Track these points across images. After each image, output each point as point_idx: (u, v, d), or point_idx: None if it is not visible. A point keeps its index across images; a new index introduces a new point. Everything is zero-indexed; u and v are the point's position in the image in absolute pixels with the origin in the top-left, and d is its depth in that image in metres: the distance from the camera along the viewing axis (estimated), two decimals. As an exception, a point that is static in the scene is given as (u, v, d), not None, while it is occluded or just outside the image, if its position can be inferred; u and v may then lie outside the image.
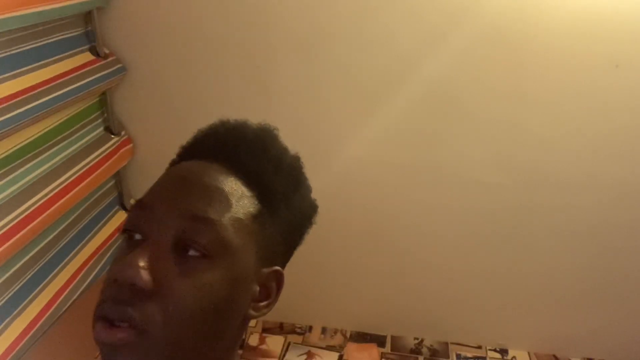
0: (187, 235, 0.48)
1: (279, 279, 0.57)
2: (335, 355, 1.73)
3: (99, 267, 1.47)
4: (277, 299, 0.57)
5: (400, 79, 1.42)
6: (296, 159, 0.60)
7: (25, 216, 1.17)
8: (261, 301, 0.56)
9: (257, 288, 0.55)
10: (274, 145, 0.59)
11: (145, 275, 0.45)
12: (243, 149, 0.56)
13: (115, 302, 0.46)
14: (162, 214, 0.49)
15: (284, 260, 0.59)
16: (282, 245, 0.58)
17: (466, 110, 1.44)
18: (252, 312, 0.55)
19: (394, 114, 1.46)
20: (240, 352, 1.72)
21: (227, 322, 0.52)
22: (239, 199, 0.53)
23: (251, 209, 0.53)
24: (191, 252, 0.48)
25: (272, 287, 0.56)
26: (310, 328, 1.83)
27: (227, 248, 0.50)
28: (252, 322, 1.81)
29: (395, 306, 1.77)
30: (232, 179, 0.53)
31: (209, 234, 0.49)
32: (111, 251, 1.54)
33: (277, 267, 0.57)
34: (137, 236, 0.50)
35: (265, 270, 0.55)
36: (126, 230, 0.51)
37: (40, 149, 1.28)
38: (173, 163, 0.60)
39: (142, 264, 0.46)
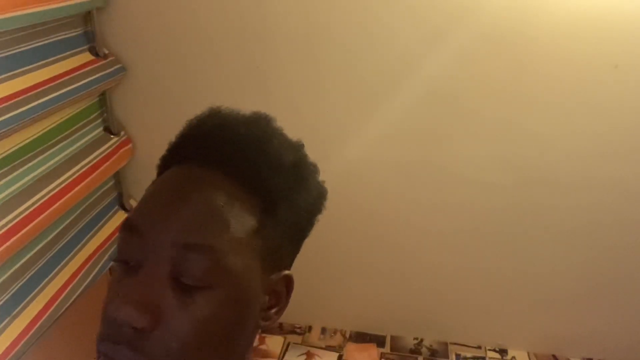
0: (184, 266, 0.44)
1: (288, 283, 0.54)
2: (335, 355, 1.73)
3: (98, 267, 1.47)
4: (288, 303, 0.54)
5: (401, 78, 1.42)
6: (298, 149, 0.55)
7: (25, 216, 1.17)
8: (271, 308, 0.53)
9: (266, 297, 0.52)
10: (271, 143, 0.52)
11: (142, 314, 0.42)
12: (237, 152, 0.50)
13: (115, 343, 0.44)
14: (154, 241, 0.45)
15: (292, 258, 0.56)
16: (289, 247, 0.54)
17: (466, 110, 1.44)
18: (262, 322, 0.52)
19: (394, 114, 1.46)
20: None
21: (236, 341, 0.49)
22: (238, 214, 0.47)
23: (252, 223, 0.48)
24: (190, 283, 0.45)
25: (281, 292, 0.53)
26: (310, 328, 1.83)
27: (228, 274, 0.46)
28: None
29: (394, 306, 1.77)
30: (229, 189, 0.48)
31: (206, 263, 0.45)
32: (110, 252, 1.54)
33: (287, 272, 0.54)
34: (133, 263, 0.46)
35: (274, 276, 0.52)
36: (119, 260, 0.47)
37: (40, 149, 1.28)
38: (165, 160, 0.56)
39: (138, 300, 0.43)
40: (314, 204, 0.56)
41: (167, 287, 0.44)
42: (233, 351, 0.49)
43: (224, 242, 0.46)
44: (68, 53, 1.36)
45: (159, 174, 0.55)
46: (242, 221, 0.47)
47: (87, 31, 1.44)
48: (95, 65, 1.42)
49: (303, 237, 0.57)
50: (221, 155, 0.50)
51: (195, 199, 0.47)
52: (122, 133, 1.59)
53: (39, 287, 1.29)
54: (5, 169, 1.17)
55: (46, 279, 1.31)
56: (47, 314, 1.27)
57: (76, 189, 1.34)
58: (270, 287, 0.52)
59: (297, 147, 0.55)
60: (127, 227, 0.48)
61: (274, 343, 1.76)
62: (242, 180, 0.49)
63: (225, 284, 0.46)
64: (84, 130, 1.46)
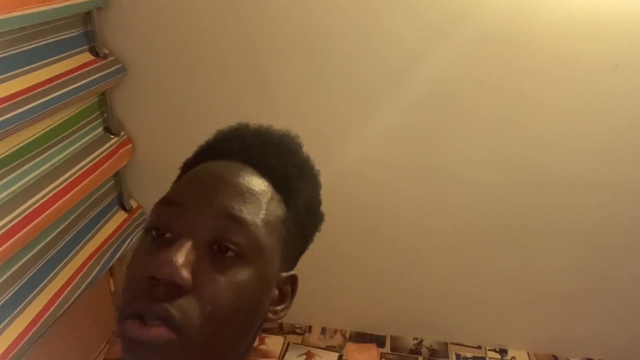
0: (223, 234, 0.48)
1: (294, 283, 0.58)
2: (335, 355, 1.73)
3: (99, 267, 1.47)
4: (291, 304, 0.58)
5: (401, 78, 1.43)
6: (314, 167, 0.61)
7: (25, 216, 1.17)
8: (278, 305, 0.56)
9: (276, 292, 0.55)
10: (298, 152, 0.60)
11: (184, 273, 0.44)
12: (270, 152, 0.56)
13: (151, 300, 0.44)
14: (197, 213, 0.49)
15: (294, 265, 0.60)
16: (298, 250, 0.59)
17: (466, 109, 1.44)
18: (270, 316, 0.55)
19: (394, 114, 1.47)
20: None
21: (253, 323, 0.52)
22: (269, 201, 0.53)
23: (279, 213, 0.54)
24: (226, 251, 0.48)
25: (287, 291, 0.57)
26: (310, 328, 1.83)
27: (260, 250, 0.50)
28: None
29: (394, 306, 1.77)
30: (261, 180, 0.53)
31: (244, 234, 0.49)
32: (112, 250, 1.54)
33: (294, 272, 0.58)
34: (168, 235, 0.49)
35: (284, 274, 0.56)
36: (154, 227, 0.50)
37: (40, 149, 1.28)
38: (189, 163, 0.59)
39: (181, 260, 0.45)
40: (320, 218, 0.62)
41: (205, 255, 0.47)
42: (248, 332, 0.52)
43: (259, 220, 0.50)
44: (68, 53, 1.36)
45: (183, 174, 0.59)
46: (272, 208, 0.53)
47: (87, 31, 1.44)
48: (95, 65, 1.42)
49: (305, 248, 0.61)
50: (257, 154, 0.55)
51: (235, 181, 0.52)
52: (122, 133, 1.59)
53: (39, 287, 1.29)
54: (5, 169, 1.17)
55: (46, 279, 1.31)
56: (47, 314, 1.27)
57: (76, 189, 1.34)
58: (280, 283, 0.55)
59: (314, 165, 0.61)
60: (167, 202, 0.51)
61: (274, 343, 1.76)
62: (272, 177, 0.55)
63: (256, 259, 0.50)
64: (84, 130, 1.46)
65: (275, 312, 0.56)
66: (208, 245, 0.48)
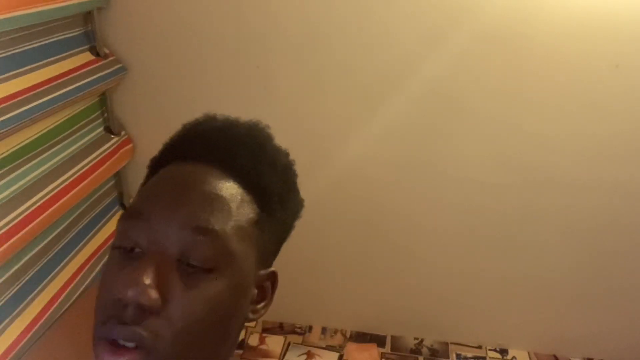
0: (191, 247, 0.47)
1: (274, 279, 0.57)
2: (335, 355, 1.73)
3: (98, 267, 1.47)
4: (272, 300, 0.57)
5: (401, 78, 1.42)
6: (287, 155, 0.59)
7: (25, 216, 1.17)
8: (258, 303, 0.55)
9: (255, 291, 0.54)
10: (268, 145, 0.57)
11: (152, 294, 0.44)
12: (238, 150, 0.54)
13: (121, 322, 0.44)
14: (163, 226, 0.47)
15: (274, 258, 0.59)
16: (276, 244, 0.58)
17: (466, 110, 1.44)
18: (251, 315, 0.55)
19: (394, 113, 1.46)
20: (239, 352, 1.72)
21: (231, 328, 0.52)
22: (239, 205, 0.51)
23: (251, 215, 0.52)
24: (196, 265, 0.47)
25: (267, 288, 0.56)
26: (310, 328, 1.83)
27: (231, 258, 0.49)
28: (252, 322, 1.81)
29: (395, 306, 1.77)
30: (230, 183, 0.51)
31: (213, 246, 0.47)
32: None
33: (273, 269, 0.57)
34: (137, 249, 0.48)
35: (262, 272, 0.55)
36: (121, 245, 0.48)
37: (40, 149, 1.28)
38: (157, 161, 0.58)
39: (147, 281, 0.44)
40: (298, 207, 0.61)
41: (174, 270, 0.46)
42: (227, 339, 0.52)
43: (229, 228, 0.48)
44: (68, 53, 1.36)
45: (152, 173, 0.58)
46: (243, 212, 0.51)
47: (87, 31, 1.44)
48: (96, 65, 1.42)
49: (285, 239, 0.60)
50: (225, 153, 0.53)
51: (202, 188, 0.49)
52: (123, 133, 1.59)
53: (40, 287, 1.29)
54: (6, 169, 1.17)
55: (47, 279, 1.31)
56: (47, 314, 1.27)
57: (76, 189, 1.34)
58: (259, 281, 0.55)
59: (287, 153, 0.59)
60: (132, 214, 0.49)
61: (274, 343, 1.76)
62: (242, 177, 0.52)
63: (228, 269, 0.48)
64: (85, 130, 1.46)
65: (255, 311, 0.55)
66: (177, 259, 0.47)
